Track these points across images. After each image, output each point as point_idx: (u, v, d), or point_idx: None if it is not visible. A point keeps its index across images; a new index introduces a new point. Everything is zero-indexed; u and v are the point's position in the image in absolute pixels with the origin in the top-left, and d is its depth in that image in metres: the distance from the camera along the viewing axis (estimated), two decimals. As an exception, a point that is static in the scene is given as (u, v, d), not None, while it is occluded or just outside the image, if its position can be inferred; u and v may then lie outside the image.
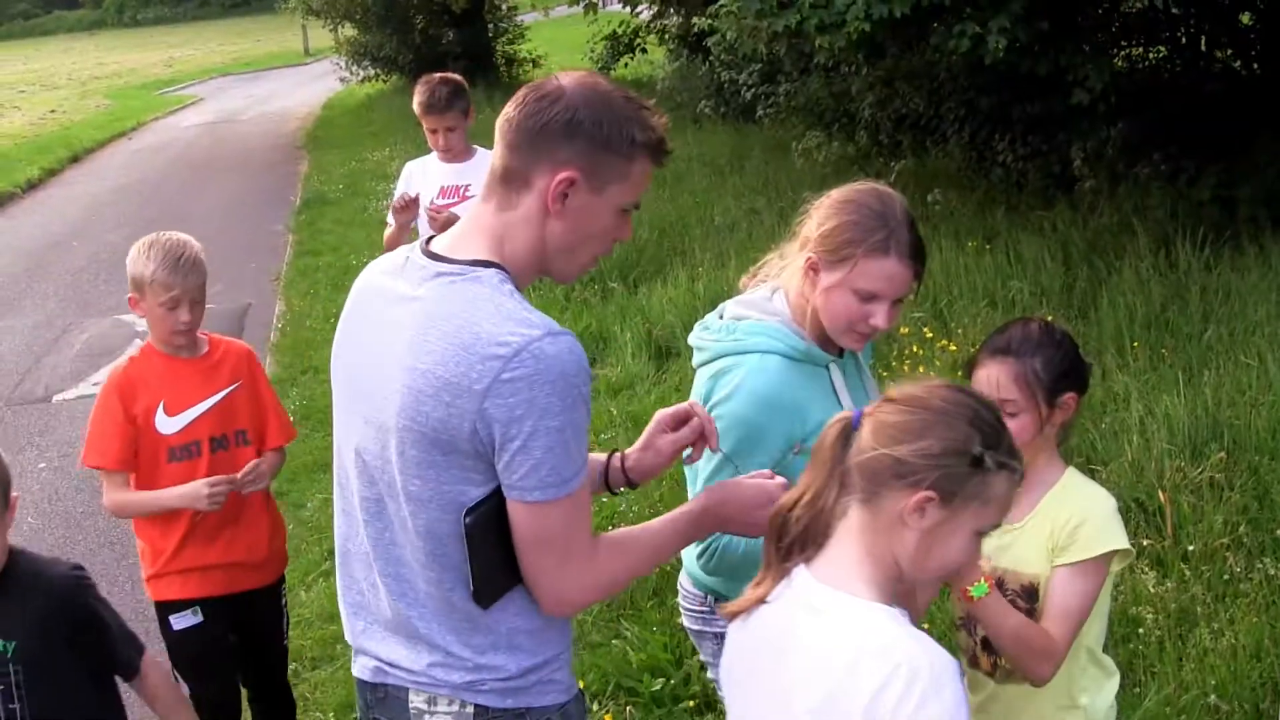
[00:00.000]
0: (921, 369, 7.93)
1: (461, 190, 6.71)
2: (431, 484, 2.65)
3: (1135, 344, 8.03)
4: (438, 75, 6.85)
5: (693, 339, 3.51)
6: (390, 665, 2.88)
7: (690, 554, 3.56)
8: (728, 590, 3.45)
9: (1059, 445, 3.29)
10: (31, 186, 23.24)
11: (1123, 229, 10.23)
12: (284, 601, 5.14)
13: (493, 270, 2.70)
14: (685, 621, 3.73)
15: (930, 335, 8.58)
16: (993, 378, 3.16)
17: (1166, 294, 8.80)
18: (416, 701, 2.84)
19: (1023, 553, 3.19)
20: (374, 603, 2.89)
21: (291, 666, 5.90)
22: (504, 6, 30.64)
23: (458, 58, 25.94)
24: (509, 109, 2.78)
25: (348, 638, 3.04)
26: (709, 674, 3.75)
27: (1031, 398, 3.13)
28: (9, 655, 3.41)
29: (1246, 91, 11.87)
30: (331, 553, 6.89)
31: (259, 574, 4.89)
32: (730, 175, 15.21)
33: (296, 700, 5.66)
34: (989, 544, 3.23)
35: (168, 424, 4.57)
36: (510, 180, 2.76)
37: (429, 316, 2.64)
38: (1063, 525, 3.13)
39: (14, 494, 3.50)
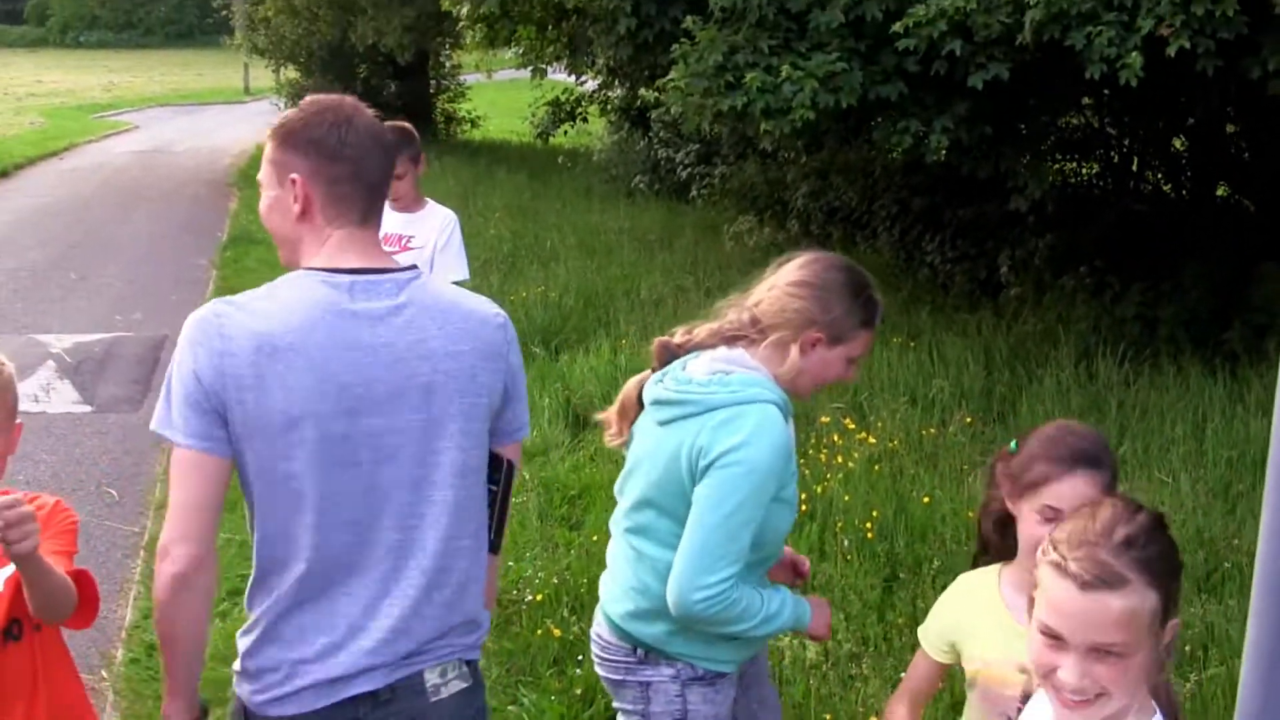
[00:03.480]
0: (840, 459, 7.95)
1: (404, 241, 6.62)
2: (480, 451, 3.20)
3: (1052, 452, 8.07)
4: (387, 122, 6.75)
5: (663, 392, 3.56)
6: (407, 656, 3.09)
7: (621, 605, 3.67)
8: (670, 645, 3.58)
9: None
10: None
11: (1045, 338, 10.35)
12: None
13: (416, 268, 3.21)
14: (603, 671, 3.78)
15: (851, 426, 8.60)
16: (1079, 492, 3.08)
17: (1085, 405, 8.89)
18: (432, 678, 3.12)
19: None
20: (384, 606, 3.08)
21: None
22: (448, 64, 30.68)
23: (398, 110, 25.90)
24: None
25: (335, 668, 3.06)
26: None
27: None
28: None
29: (1174, 214, 12.09)
30: (232, 593, 6.81)
31: None
32: (660, 251, 15.24)
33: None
34: None
35: None
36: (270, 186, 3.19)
37: (438, 311, 3.12)
38: None
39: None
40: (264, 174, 3.17)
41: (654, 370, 3.69)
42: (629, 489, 3.67)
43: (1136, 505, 2.45)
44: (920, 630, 3.49)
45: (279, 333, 2.96)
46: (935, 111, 9.51)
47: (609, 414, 3.83)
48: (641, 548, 3.60)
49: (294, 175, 3.08)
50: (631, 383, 3.77)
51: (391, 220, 6.65)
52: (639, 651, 3.65)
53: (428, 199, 6.82)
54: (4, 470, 3.27)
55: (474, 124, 30.43)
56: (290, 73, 31.21)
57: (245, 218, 20.21)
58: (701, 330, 3.69)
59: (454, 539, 3.13)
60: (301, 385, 2.95)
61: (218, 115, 43.51)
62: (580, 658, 5.94)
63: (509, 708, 5.80)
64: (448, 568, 3.12)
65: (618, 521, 3.75)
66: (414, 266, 3.17)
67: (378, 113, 3.32)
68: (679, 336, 3.72)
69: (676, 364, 3.63)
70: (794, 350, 3.52)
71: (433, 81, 30.35)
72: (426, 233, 6.64)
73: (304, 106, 3.18)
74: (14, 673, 3.21)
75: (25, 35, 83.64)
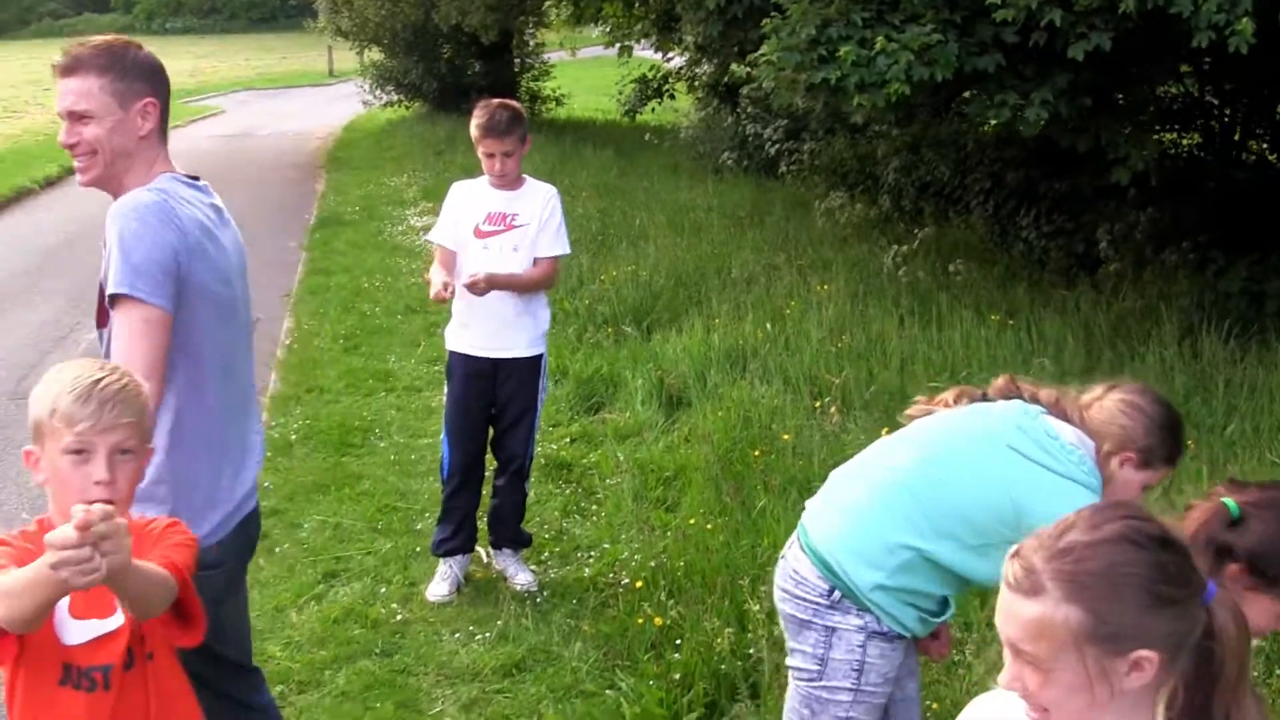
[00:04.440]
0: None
1: (509, 219, 6.55)
2: None
3: (1158, 432, 7.87)
4: (496, 100, 6.65)
5: (1033, 429, 3.82)
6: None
7: (850, 541, 3.86)
8: (871, 595, 3.81)
9: None
10: (50, 184, 23.00)
11: (1147, 315, 10.12)
12: None
13: None
14: (787, 607, 3.99)
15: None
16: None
17: (1190, 384, 8.67)
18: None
19: None
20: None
21: (278, 689, 5.76)
22: (532, 43, 30.65)
23: (482, 90, 25.82)
24: None
25: (243, 490, 4.01)
26: (792, 661, 4.02)
27: None
28: None
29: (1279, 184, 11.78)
30: (327, 575, 6.79)
31: None
32: (750, 229, 15.06)
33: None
34: None
35: (73, 629, 3.07)
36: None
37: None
38: None
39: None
40: (97, 104, 3.73)
41: (984, 397, 4.05)
42: (918, 455, 3.91)
43: (1122, 515, 2.28)
44: None
45: (203, 218, 3.80)
46: (1036, 83, 9.31)
47: (938, 397, 4.18)
48: (907, 506, 3.82)
49: (149, 99, 3.78)
50: (958, 390, 4.15)
51: (495, 198, 6.56)
52: (834, 594, 3.87)
53: (526, 176, 6.74)
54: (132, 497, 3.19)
55: (559, 102, 30.31)
56: (374, 54, 31.26)
57: (334, 200, 20.30)
58: (1046, 392, 3.99)
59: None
60: (220, 257, 3.83)
61: (303, 98, 43.79)
62: (679, 642, 5.84)
63: (606, 692, 5.75)
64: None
65: (880, 466, 3.98)
66: None
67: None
68: (1025, 384, 4.03)
69: (1037, 409, 3.90)
70: (1115, 463, 3.83)
71: (517, 60, 30.29)
72: (530, 210, 6.57)
73: (110, 42, 3.83)
74: (128, 704, 3.14)
75: (113, 23, 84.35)
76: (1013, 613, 2.25)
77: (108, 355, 3.66)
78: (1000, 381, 4.06)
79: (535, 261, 6.57)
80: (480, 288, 6.32)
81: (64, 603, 3.02)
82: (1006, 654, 2.29)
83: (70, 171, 24.50)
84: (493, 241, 6.49)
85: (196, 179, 3.95)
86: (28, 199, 21.60)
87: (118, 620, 3.08)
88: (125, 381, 3.08)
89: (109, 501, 2.95)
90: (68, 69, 3.75)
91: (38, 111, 34.63)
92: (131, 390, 3.07)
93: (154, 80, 3.82)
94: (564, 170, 19.86)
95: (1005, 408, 3.93)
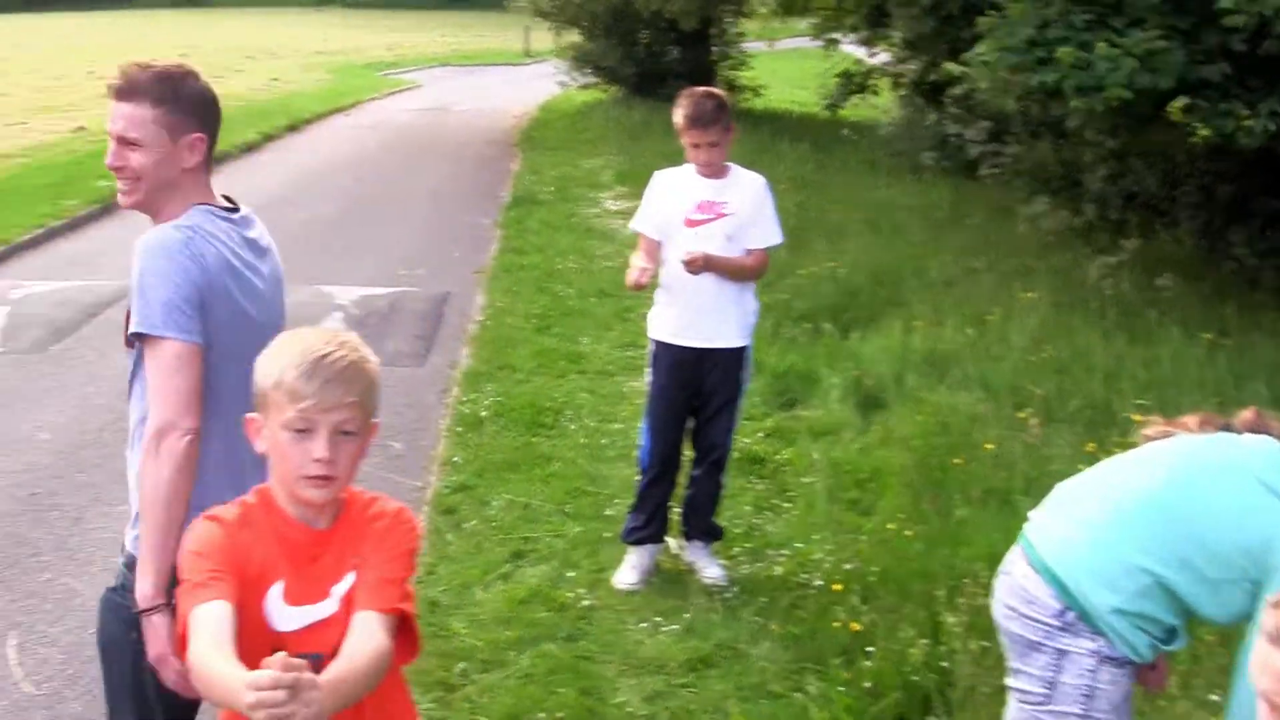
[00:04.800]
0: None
1: (718, 208, 6.46)
2: None
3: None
4: (701, 89, 6.56)
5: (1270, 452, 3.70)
6: None
7: (1090, 558, 3.72)
8: (1106, 618, 3.67)
9: None
10: (248, 149, 23.52)
11: (1370, 343, 9.72)
12: None
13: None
14: (1014, 626, 3.86)
15: (1156, 425, 8.17)
16: None
17: None
18: None
19: None
20: None
21: (460, 666, 5.75)
22: (731, 31, 30.56)
23: (679, 77, 25.81)
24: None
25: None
26: (1016, 682, 3.89)
27: None
28: None
29: None
30: (515, 555, 6.77)
31: None
32: (949, 231, 14.82)
33: (462, 704, 5.47)
34: None
35: (285, 616, 3.03)
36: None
37: (265, 237, 4.04)
38: None
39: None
40: (147, 134, 3.73)
41: (1227, 427, 3.86)
42: (1164, 478, 3.76)
43: None
44: None
45: (228, 255, 3.78)
46: (1261, 94, 8.99)
47: (1179, 420, 3.99)
48: (1148, 530, 3.69)
49: (198, 134, 3.79)
50: (1202, 416, 3.95)
51: (703, 187, 6.48)
52: (1068, 615, 3.72)
53: (731, 164, 6.63)
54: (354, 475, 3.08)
55: (756, 93, 30.13)
56: (571, 36, 31.44)
57: (529, 179, 20.39)
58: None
59: None
60: (247, 293, 3.82)
61: (499, 76, 44.27)
62: (870, 649, 5.70)
63: (794, 694, 5.61)
64: None
65: (1118, 486, 3.83)
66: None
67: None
68: (1274, 421, 3.85)
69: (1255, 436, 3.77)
70: None
71: (714, 49, 30.23)
72: (739, 198, 6.48)
73: (170, 71, 3.80)
74: None
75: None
76: (1273, 666, 2.08)
77: (135, 372, 3.81)
78: (1248, 414, 3.86)
79: (748, 252, 6.49)
80: (698, 263, 6.24)
81: (278, 589, 2.98)
82: (1262, 707, 2.13)
83: (268, 138, 25.07)
84: (703, 230, 6.41)
85: (235, 209, 3.97)
86: (225, 163, 21.98)
87: (331, 607, 3.01)
88: (352, 358, 2.97)
89: (327, 479, 2.93)
90: (123, 93, 3.77)
91: (237, 79, 35.13)
92: (356, 368, 2.97)
93: (206, 114, 3.89)
94: (761, 162, 19.53)
95: (1257, 441, 3.74)
